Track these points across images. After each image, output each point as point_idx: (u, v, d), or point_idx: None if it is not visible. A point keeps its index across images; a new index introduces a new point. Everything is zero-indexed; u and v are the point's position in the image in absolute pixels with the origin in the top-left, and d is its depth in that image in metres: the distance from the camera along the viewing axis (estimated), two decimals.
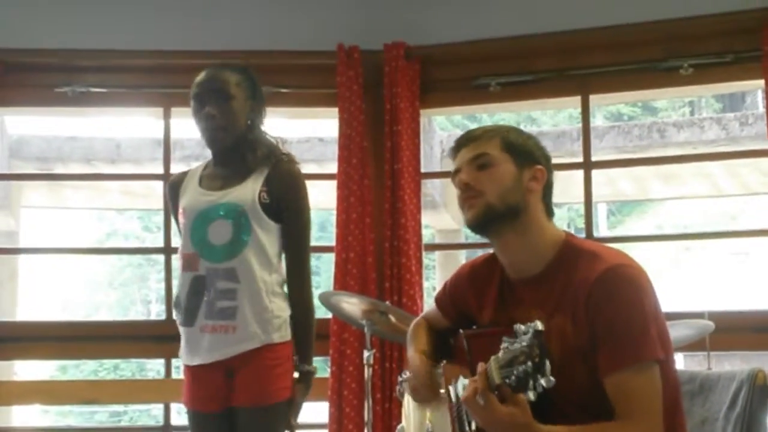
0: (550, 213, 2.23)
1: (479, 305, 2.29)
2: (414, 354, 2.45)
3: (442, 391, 2.42)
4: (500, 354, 1.83)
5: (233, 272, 2.79)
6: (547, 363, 1.74)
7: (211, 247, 2.82)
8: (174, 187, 3.01)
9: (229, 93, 2.88)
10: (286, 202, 2.87)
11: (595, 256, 2.09)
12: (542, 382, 1.74)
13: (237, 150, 2.90)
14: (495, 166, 2.17)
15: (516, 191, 2.16)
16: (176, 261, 4.68)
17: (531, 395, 1.76)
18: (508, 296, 2.22)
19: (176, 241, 4.56)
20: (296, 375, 2.89)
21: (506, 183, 2.16)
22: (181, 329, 2.88)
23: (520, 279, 2.19)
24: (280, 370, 2.81)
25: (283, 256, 2.92)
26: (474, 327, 2.29)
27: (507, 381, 1.80)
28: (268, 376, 2.79)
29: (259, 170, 2.88)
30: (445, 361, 2.39)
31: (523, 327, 1.79)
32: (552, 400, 1.89)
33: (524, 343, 1.77)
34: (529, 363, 1.75)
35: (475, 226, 2.19)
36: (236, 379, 2.80)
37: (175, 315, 2.99)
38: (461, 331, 2.24)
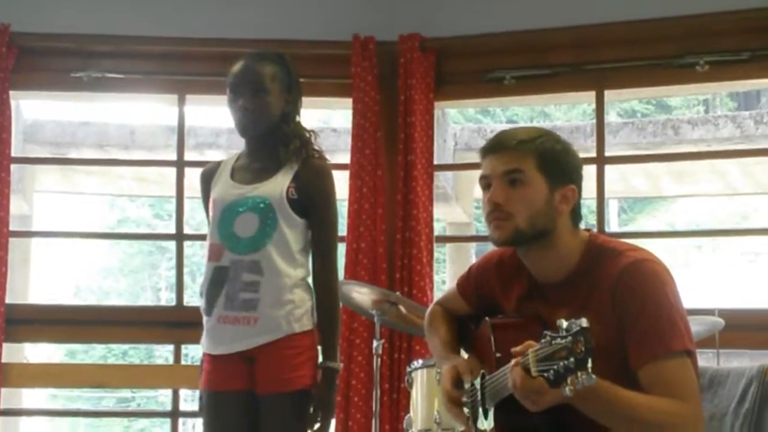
0: (577, 222, 2.20)
1: (505, 296, 2.30)
2: (442, 359, 2.40)
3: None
4: (539, 347, 1.81)
5: (257, 265, 2.81)
6: (590, 360, 1.72)
7: (237, 239, 2.84)
8: (207, 177, 3.02)
9: (264, 86, 2.87)
10: (314, 200, 2.88)
11: (618, 253, 2.10)
12: (583, 379, 1.71)
13: (270, 141, 2.91)
14: (527, 186, 2.12)
15: (545, 214, 2.12)
16: (188, 249, 4.69)
17: (568, 390, 1.73)
18: (536, 294, 2.22)
19: (190, 229, 4.60)
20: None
21: (537, 206, 2.11)
22: (203, 318, 2.90)
23: (546, 282, 2.20)
24: (301, 358, 2.82)
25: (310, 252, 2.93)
26: (500, 315, 2.27)
27: (544, 375, 1.78)
28: (289, 364, 2.80)
29: (290, 165, 2.89)
30: (467, 356, 2.38)
31: (566, 323, 1.77)
32: None
33: (568, 339, 1.74)
34: (572, 359, 1.73)
35: (500, 246, 2.19)
36: (258, 368, 2.82)
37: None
38: (486, 318, 2.23)
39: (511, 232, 2.12)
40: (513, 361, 1.90)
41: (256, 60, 2.93)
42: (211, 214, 2.93)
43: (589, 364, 1.72)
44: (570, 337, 1.74)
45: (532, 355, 1.83)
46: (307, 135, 2.97)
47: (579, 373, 1.72)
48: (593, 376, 1.72)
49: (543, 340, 1.80)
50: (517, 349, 1.90)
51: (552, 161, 2.14)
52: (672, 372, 1.98)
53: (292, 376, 2.81)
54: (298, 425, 2.83)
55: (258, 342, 2.80)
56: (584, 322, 1.75)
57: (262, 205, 2.84)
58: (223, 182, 2.95)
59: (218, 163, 3.05)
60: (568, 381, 1.73)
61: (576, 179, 2.18)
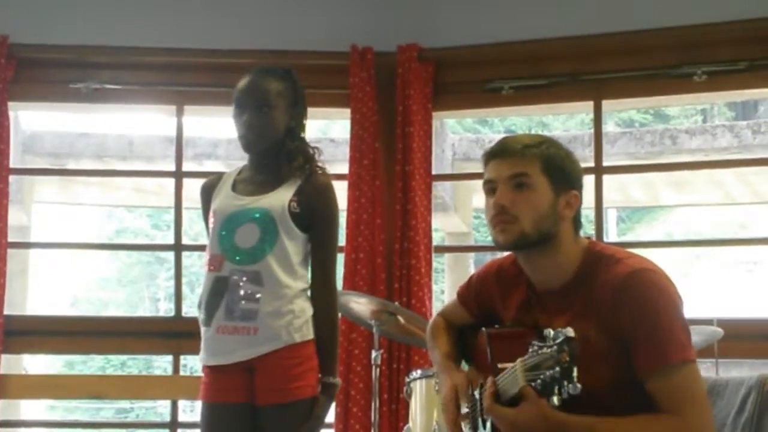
0: (578, 229, 2.21)
1: (504, 305, 2.30)
2: (441, 372, 2.41)
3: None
4: (527, 357, 1.82)
5: (258, 275, 2.81)
6: (575, 369, 1.73)
7: (237, 250, 2.84)
8: (207, 189, 3.02)
9: (269, 102, 2.87)
10: (317, 216, 2.88)
11: (617, 261, 2.10)
12: (569, 388, 1.73)
13: (273, 156, 2.91)
14: (533, 190, 2.13)
15: (550, 218, 2.13)
16: (186, 259, 4.68)
17: (555, 400, 1.75)
18: (534, 302, 2.22)
19: (189, 239, 4.61)
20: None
21: (542, 210, 2.12)
22: (201, 329, 2.90)
23: (545, 290, 2.20)
24: (301, 368, 2.82)
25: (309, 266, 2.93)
26: (496, 326, 2.28)
27: (532, 384, 1.80)
28: (289, 374, 2.79)
29: (293, 180, 2.89)
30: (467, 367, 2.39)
31: (553, 332, 1.78)
32: (576, 404, 1.89)
33: (553, 348, 1.76)
34: (557, 368, 1.74)
35: (505, 249, 2.20)
36: (258, 379, 2.81)
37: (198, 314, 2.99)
38: (483, 329, 2.24)
39: (516, 236, 2.13)
40: (488, 383, 1.92)
41: (263, 75, 2.92)
42: (211, 225, 2.93)
43: (575, 374, 1.73)
44: (555, 347, 1.76)
45: (520, 365, 1.84)
46: (311, 151, 2.97)
47: (565, 383, 1.73)
48: (578, 386, 1.73)
49: (531, 350, 1.82)
50: (487, 388, 1.94)
51: (557, 166, 2.16)
52: (678, 384, 1.98)
53: (293, 387, 2.80)
54: None
55: (258, 352, 2.80)
56: (570, 331, 1.76)
57: (263, 217, 2.84)
58: (225, 194, 2.95)
59: (219, 176, 3.05)
60: (556, 390, 1.74)
61: (578, 186, 2.20)
